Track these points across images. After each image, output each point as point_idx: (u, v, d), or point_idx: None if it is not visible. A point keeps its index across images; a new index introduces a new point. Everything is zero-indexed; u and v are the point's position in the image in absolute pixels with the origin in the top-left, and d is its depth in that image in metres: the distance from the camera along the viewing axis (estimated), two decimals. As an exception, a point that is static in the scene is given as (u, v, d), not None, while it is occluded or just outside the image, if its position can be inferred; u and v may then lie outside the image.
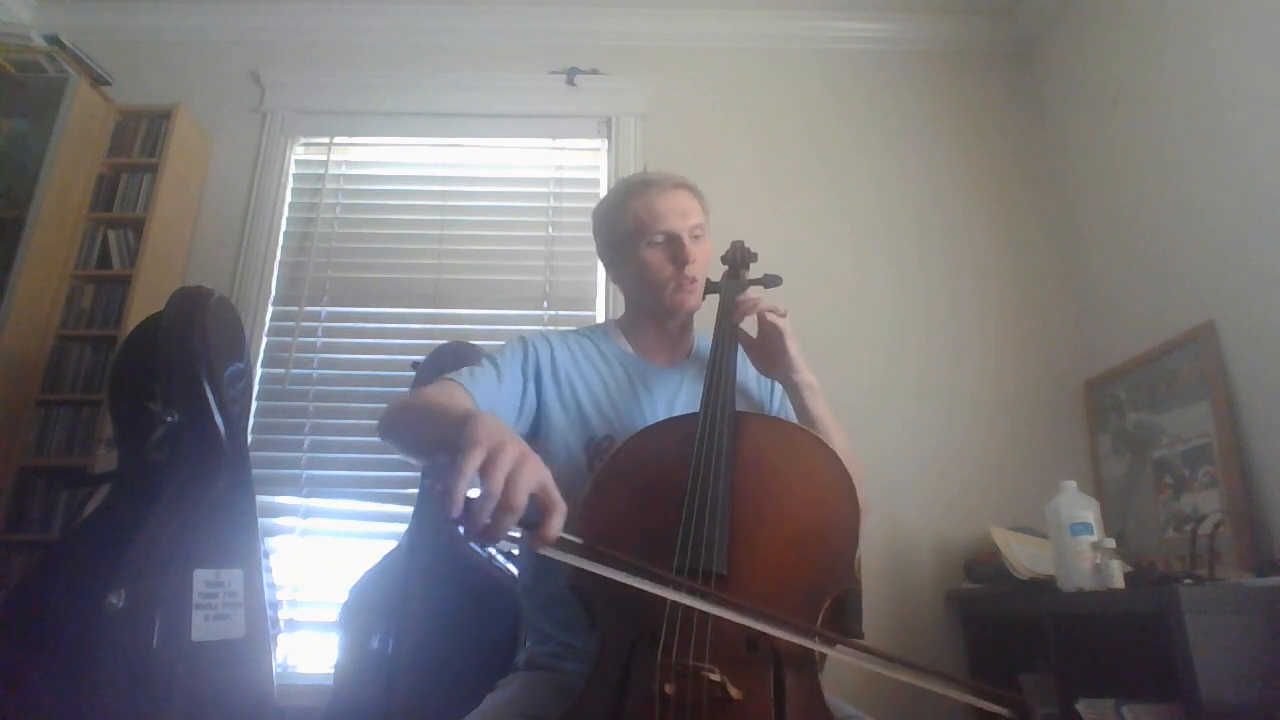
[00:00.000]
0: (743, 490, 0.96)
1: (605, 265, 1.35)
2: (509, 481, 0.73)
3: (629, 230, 1.24)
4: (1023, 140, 2.65)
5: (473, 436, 0.76)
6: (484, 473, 0.73)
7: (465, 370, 1.17)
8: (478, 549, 1.91)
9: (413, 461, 1.04)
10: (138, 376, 1.88)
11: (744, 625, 0.81)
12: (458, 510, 0.71)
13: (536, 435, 1.22)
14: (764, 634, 0.82)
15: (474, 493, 0.73)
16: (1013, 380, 2.39)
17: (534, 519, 0.75)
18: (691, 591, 0.82)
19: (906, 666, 0.82)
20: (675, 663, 0.79)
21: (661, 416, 1.17)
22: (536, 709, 0.99)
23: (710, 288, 1.30)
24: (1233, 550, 1.69)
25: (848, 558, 0.90)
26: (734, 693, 0.77)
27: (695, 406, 1.15)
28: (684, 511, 0.92)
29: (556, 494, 0.77)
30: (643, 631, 0.86)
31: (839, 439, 1.16)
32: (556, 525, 0.75)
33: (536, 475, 0.75)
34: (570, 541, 0.78)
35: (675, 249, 1.22)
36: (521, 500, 0.73)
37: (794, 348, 1.18)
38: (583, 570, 0.96)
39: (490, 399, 1.13)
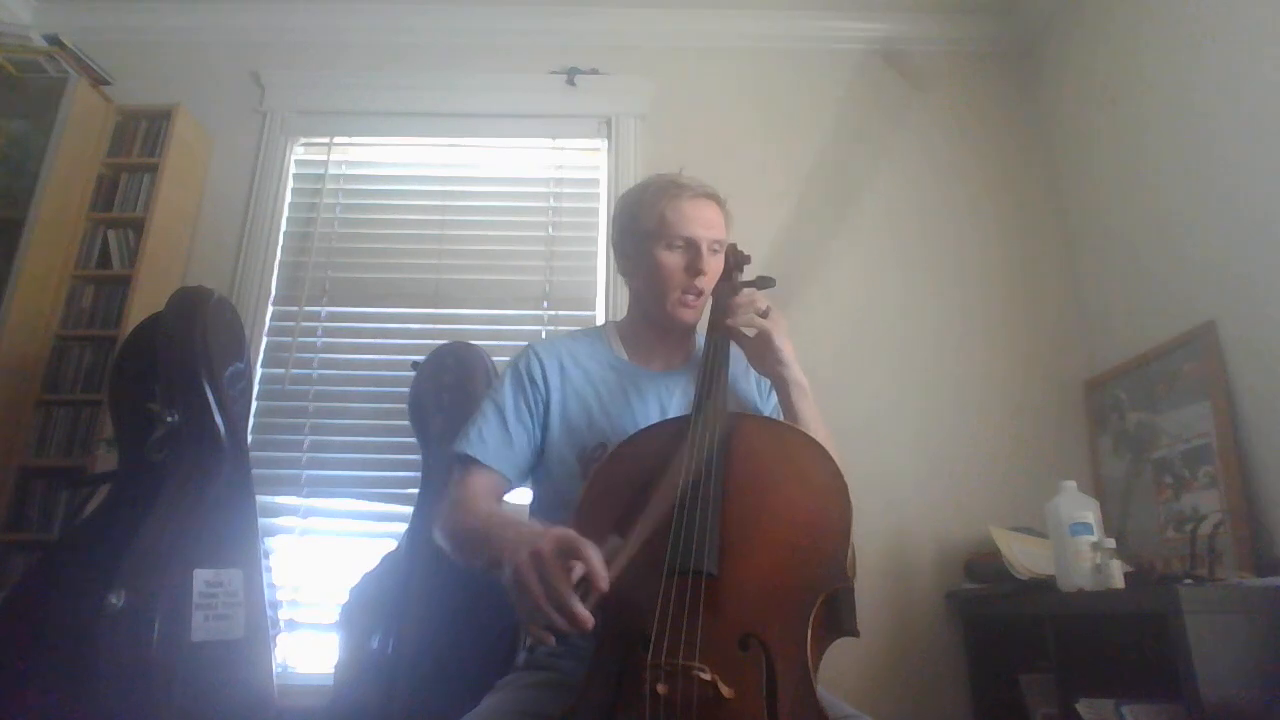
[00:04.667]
0: (734, 490, 0.96)
1: (617, 256, 1.35)
2: (546, 585, 0.79)
3: (651, 228, 1.24)
4: (1023, 139, 2.64)
5: (506, 574, 0.84)
6: (524, 596, 0.80)
7: (474, 433, 1.20)
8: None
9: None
10: (138, 376, 1.88)
11: (736, 623, 0.81)
12: (545, 640, 0.79)
13: (541, 456, 1.23)
14: (755, 633, 0.82)
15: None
16: (1013, 380, 2.39)
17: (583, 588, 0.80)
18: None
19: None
20: (666, 662, 0.79)
21: (654, 422, 1.17)
22: (536, 709, 0.99)
23: None
24: (1233, 550, 1.69)
25: (840, 556, 0.90)
26: (725, 692, 0.77)
27: (688, 411, 1.15)
28: (675, 512, 0.92)
29: (580, 543, 0.81)
30: (637, 632, 0.86)
31: (821, 438, 1.16)
32: (598, 570, 0.80)
33: (556, 548, 0.81)
34: (617, 562, 0.82)
35: (692, 257, 1.22)
36: (565, 590, 0.78)
37: (781, 343, 1.16)
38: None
39: (505, 460, 1.19)
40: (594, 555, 0.80)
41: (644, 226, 1.25)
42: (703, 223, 1.23)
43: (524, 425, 1.22)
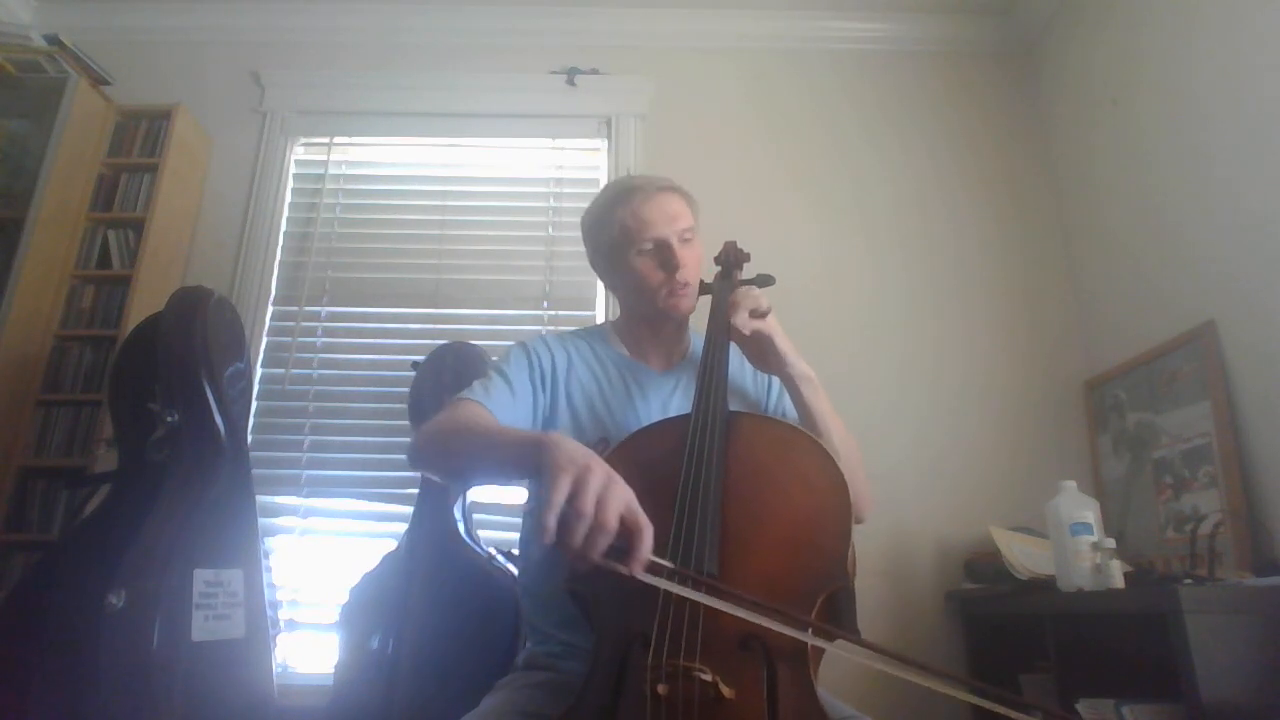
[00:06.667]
0: (734, 491, 0.96)
1: (597, 274, 1.35)
2: (599, 503, 0.76)
3: (617, 239, 1.23)
4: (1023, 140, 2.65)
5: (557, 461, 0.79)
6: (574, 495, 0.76)
7: (478, 386, 1.17)
8: (477, 548, 1.92)
9: (454, 485, 1.04)
10: (138, 376, 1.88)
11: (736, 624, 0.81)
12: (551, 536, 0.74)
13: None
14: (756, 633, 0.82)
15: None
16: (1013, 381, 2.39)
17: (623, 543, 0.77)
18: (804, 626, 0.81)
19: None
20: (666, 663, 0.79)
21: (656, 420, 1.17)
22: (535, 709, 0.99)
23: (703, 289, 1.29)
24: (1233, 550, 1.69)
25: (840, 556, 0.90)
26: (726, 692, 0.77)
27: (689, 410, 1.15)
28: (675, 513, 0.92)
29: (642, 515, 0.79)
30: (637, 632, 0.86)
31: (836, 430, 1.17)
32: (646, 546, 0.78)
33: (624, 496, 0.78)
34: (661, 565, 0.80)
35: (665, 255, 1.21)
36: (613, 520, 0.76)
37: (782, 344, 1.17)
38: (580, 572, 0.94)
39: (508, 416, 1.13)
40: (648, 540, 0.78)
41: (610, 239, 1.24)
42: (664, 218, 1.21)
43: (529, 388, 1.21)
